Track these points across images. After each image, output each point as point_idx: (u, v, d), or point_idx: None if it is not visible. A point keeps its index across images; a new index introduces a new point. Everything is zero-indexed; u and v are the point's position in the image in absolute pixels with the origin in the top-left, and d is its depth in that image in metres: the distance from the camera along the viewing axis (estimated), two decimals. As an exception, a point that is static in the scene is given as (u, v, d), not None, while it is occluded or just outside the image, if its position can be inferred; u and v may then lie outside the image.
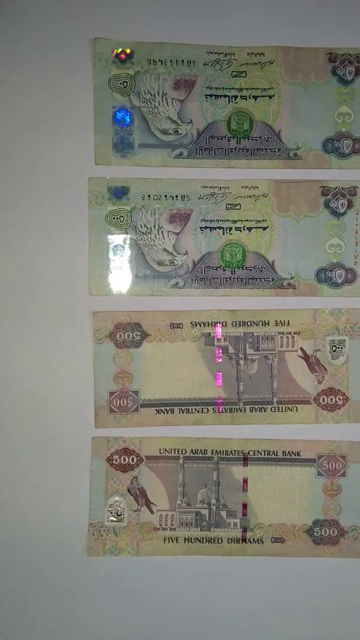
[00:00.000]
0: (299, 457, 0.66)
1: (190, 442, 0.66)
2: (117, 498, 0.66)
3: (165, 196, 0.65)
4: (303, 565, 0.66)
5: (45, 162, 0.65)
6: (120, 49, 0.64)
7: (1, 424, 0.66)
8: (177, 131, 0.65)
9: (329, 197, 0.66)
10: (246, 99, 0.65)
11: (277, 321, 0.66)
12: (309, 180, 0.66)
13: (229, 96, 0.65)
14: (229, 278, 0.66)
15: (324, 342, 0.66)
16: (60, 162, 0.65)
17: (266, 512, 0.66)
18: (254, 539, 0.66)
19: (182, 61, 0.65)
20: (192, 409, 0.66)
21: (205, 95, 0.65)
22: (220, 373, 0.66)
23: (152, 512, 0.66)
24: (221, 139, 0.65)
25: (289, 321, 0.66)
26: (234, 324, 0.66)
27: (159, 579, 0.66)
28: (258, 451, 0.66)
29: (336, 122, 0.66)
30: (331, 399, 0.66)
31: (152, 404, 0.66)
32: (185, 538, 0.66)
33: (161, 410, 0.66)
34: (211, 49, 0.65)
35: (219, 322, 0.66)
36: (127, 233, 0.66)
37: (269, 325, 0.66)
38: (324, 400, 0.66)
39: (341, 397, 0.66)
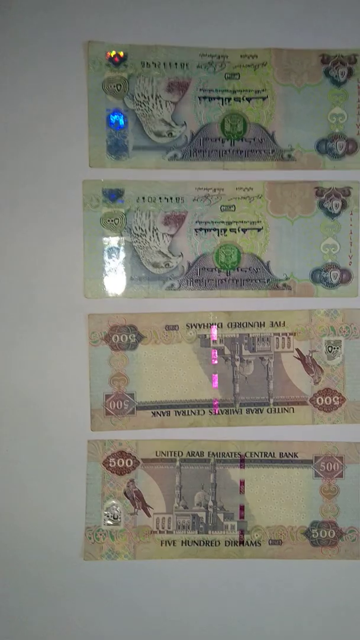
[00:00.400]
0: (296, 458, 0.66)
1: (186, 444, 0.66)
2: (113, 501, 0.66)
3: (160, 198, 0.66)
4: (301, 568, 0.66)
5: (40, 165, 0.65)
6: (113, 52, 0.65)
7: (-4, 427, 0.66)
8: (171, 133, 0.66)
9: (323, 197, 0.66)
10: (240, 101, 0.66)
11: (272, 322, 0.66)
12: (303, 181, 0.66)
13: (222, 98, 0.66)
14: (224, 279, 0.66)
15: (319, 343, 0.66)
16: (55, 165, 0.65)
17: (264, 514, 0.66)
18: (251, 542, 0.66)
19: (176, 64, 0.65)
20: (188, 411, 0.66)
21: (199, 97, 0.66)
22: (216, 375, 0.66)
23: (148, 515, 0.66)
24: (215, 141, 0.66)
25: (284, 322, 0.66)
26: (229, 325, 0.66)
27: (156, 582, 0.66)
28: (255, 453, 0.66)
29: (329, 123, 0.66)
30: (328, 400, 0.66)
31: (148, 406, 0.66)
32: (182, 541, 0.66)
33: (157, 412, 0.66)
34: (204, 52, 0.65)
35: (215, 324, 0.66)
36: (122, 235, 0.66)
37: (264, 326, 0.66)
38: (320, 401, 0.66)
39: (338, 398, 0.66)
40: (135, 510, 0.66)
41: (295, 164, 0.66)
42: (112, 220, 0.66)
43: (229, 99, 0.66)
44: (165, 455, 0.66)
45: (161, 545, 0.66)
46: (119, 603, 0.66)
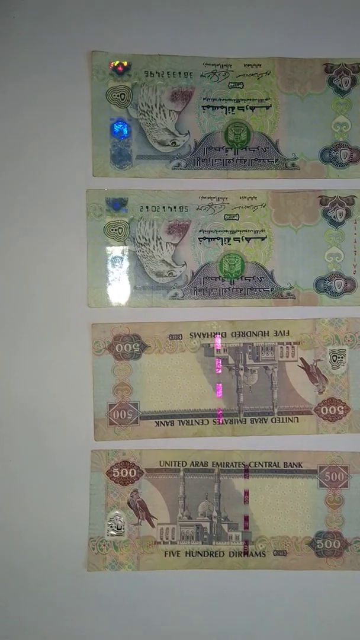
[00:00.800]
0: (300, 468, 0.65)
1: (190, 454, 0.66)
2: (117, 512, 0.65)
3: (164, 207, 0.65)
4: (306, 579, 0.65)
5: (44, 174, 0.65)
6: (117, 62, 0.65)
7: None
8: (175, 142, 0.66)
9: (327, 206, 0.66)
10: (243, 110, 0.66)
11: (276, 331, 0.66)
12: (307, 190, 0.66)
13: (226, 107, 0.66)
14: (228, 288, 0.66)
15: (324, 352, 0.66)
16: (59, 174, 0.65)
17: (268, 524, 0.65)
18: (256, 552, 0.65)
19: (179, 73, 0.65)
20: (192, 420, 0.66)
21: (203, 106, 0.65)
22: (220, 384, 0.66)
23: (152, 525, 0.65)
24: (219, 150, 0.66)
25: (288, 331, 0.66)
26: (233, 334, 0.66)
27: (159, 593, 0.65)
28: (259, 463, 0.65)
29: (333, 132, 0.66)
30: (332, 409, 0.66)
31: (152, 416, 0.65)
32: (186, 552, 0.65)
33: (161, 422, 0.65)
34: (208, 61, 0.65)
35: (219, 333, 0.66)
36: (125, 244, 0.66)
37: (268, 335, 0.66)
38: (324, 411, 0.66)
39: (342, 407, 0.66)
40: (139, 520, 0.65)
41: (299, 172, 0.66)
42: (115, 230, 0.65)
43: (233, 108, 0.66)
44: (169, 465, 0.65)
45: (165, 555, 0.65)
46: (123, 614, 0.65)
